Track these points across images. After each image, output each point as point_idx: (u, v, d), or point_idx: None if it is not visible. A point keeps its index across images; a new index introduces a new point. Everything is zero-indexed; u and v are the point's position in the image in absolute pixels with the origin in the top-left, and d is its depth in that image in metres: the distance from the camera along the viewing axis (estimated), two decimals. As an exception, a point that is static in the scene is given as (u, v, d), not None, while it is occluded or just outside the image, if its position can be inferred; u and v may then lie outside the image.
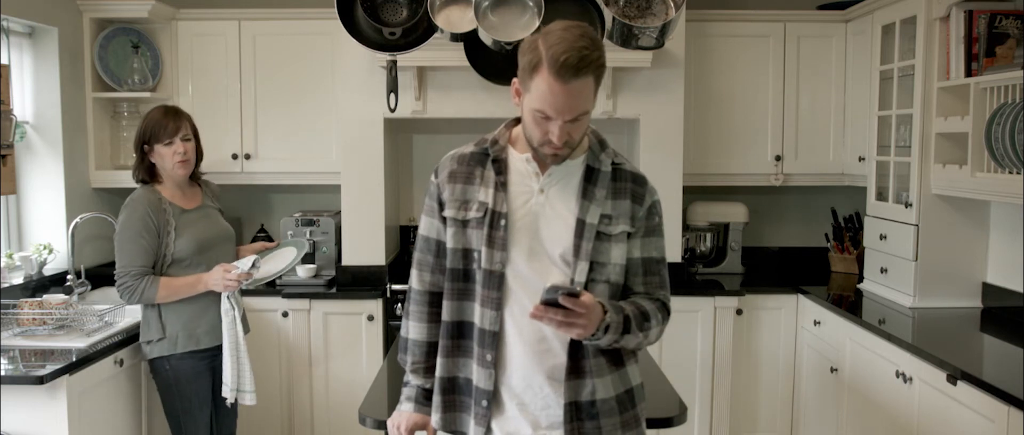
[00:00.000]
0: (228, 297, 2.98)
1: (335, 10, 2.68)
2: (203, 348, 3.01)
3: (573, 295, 1.65)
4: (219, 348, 3.02)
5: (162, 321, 2.97)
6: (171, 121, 3.00)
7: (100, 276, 4.02)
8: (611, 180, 1.88)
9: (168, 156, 2.98)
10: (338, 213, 4.23)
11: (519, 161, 1.89)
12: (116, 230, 2.99)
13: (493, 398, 1.86)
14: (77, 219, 3.74)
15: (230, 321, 2.98)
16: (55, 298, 3.22)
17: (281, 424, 4.05)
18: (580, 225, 1.83)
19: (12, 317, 3.14)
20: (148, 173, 3.02)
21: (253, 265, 2.96)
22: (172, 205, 3.00)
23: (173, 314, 2.97)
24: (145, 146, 3.00)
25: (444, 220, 1.92)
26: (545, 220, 1.85)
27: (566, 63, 1.68)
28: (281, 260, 3.21)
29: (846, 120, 4.23)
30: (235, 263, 2.99)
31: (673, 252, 3.98)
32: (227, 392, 3.01)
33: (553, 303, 1.65)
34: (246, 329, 3.10)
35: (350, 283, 4.07)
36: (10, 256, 3.61)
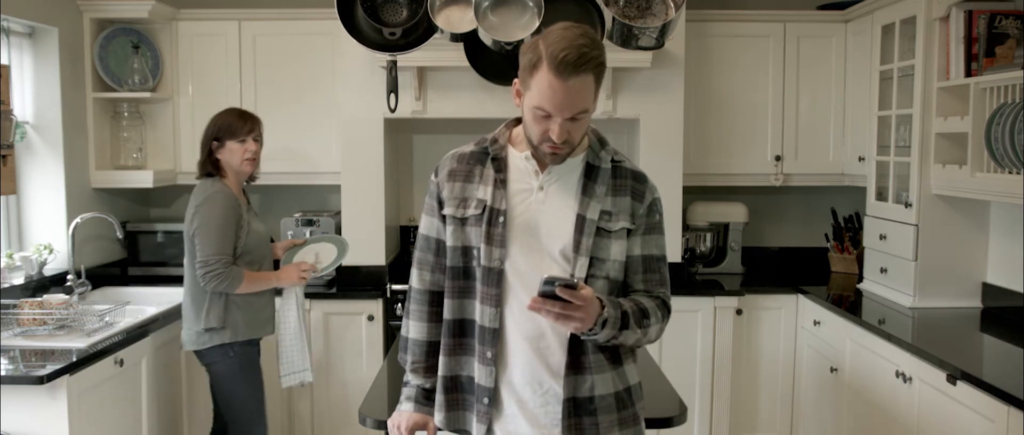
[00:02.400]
0: (283, 293, 3.26)
1: (335, 10, 2.68)
2: (259, 338, 3.19)
3: (570, 287, 1.65)
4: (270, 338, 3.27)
5: (226, 311, 3.08)
6: (247, 120, 3.17)
7: (100, 276, 4.02)
8: (611, 177, 1.89)
9: (238, 153, 3.13)
10: (338, 213, 4.23)
11: (519, 159, 1.90)
12: (198, 219, 3.05)
13: (494, 396, 1.87)
14: (77, 219, 3.74)
15: (290, 306, 3.25)
16: (55, 298, 3.22)
17: (281, 424, 4.05)
18: (580, 220, 1.84)
19: (12, 317, 3.14)
20: (214, 167, 3.16)
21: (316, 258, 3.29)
22: (240, 201, 3.15)
23: (238, 305, 3.11)
24: (215, 142, 3.13)
25: (444, 218, 1.92)
26: (544, 217, 1.85)
27: (565, 60, 1.69)
28: (326, 255, 3.41)
29: (846, 120, 4.23)
30: (305, 262, 3.29)
31: (673, 252, 3.98)
32: (290, 380, 3.26)
33: (550, 295, 1.65)
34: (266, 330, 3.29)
35: (350, 283, 4.07)
36: (10, 256, 3.61)
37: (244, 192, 3.28)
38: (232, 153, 3.13)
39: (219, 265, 3.00)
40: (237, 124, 3.14)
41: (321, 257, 3.40)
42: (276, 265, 3.37)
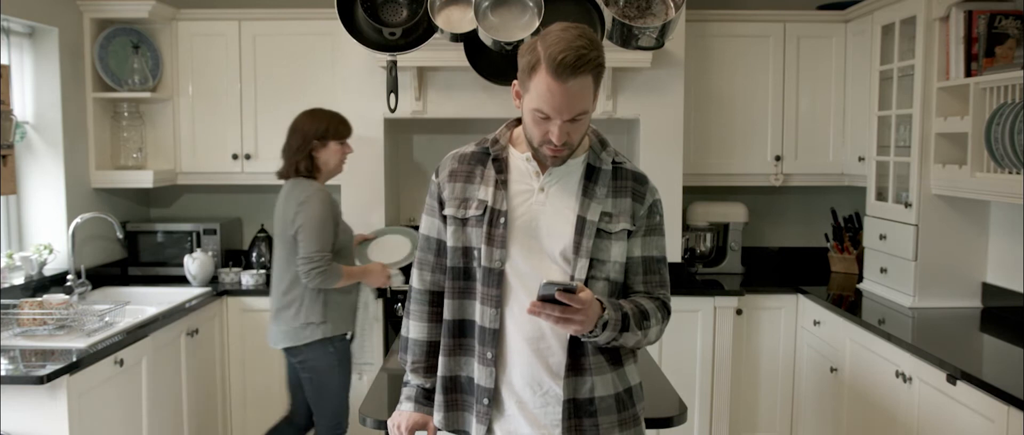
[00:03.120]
0: (372, 290, 3.42)
1: (335, 10, 2.68)
2: (346, 333, 3.31)
3: (569, 291, 1.65)
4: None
5: (325, 306, 3.20)
6: (346, 123, 3.31)
7: (100, 276, 4.02)
8: (612, 178, 1.89)
9: (338, 154, 3.27)
10: (338, 213, 4.22)
11: (519, 160, 1.89)
12: (302, 217, 3.14)
13: (494, 396, 1.87)
14: (77, 219, 3.74)
15: (372, 311, 3.44)
16: (55, 298, 3.21)
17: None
18: (581, 222, 1.84)
19: (12, 317, 3.14)
20: (310, 165, 3.25)
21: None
22: (336, 201, 3.30)
23: (334, 299, 3.23)
24: (317, 141, 3.22)
25: (444, 219, 1.92)
26: (545, 218, 1.85)
27: (564, 62, 1.69)
28: (395, 247, 3.57)
29: (846, 120, 4.23)
30: (389, 266, 3.42)
31: (673, 252, 3.98)
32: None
33: (550, 299, 1.65)
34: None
35: (350, 283, 4.07)
36: (10, 256, 3.61)
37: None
38: (333, 154, 3.26)
39: (322, 262, 3.11)
40: (342, 127, 3.28)
41: (390, 249, 3.54)
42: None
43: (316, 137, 3.23)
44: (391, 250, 3.56)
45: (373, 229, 3.81)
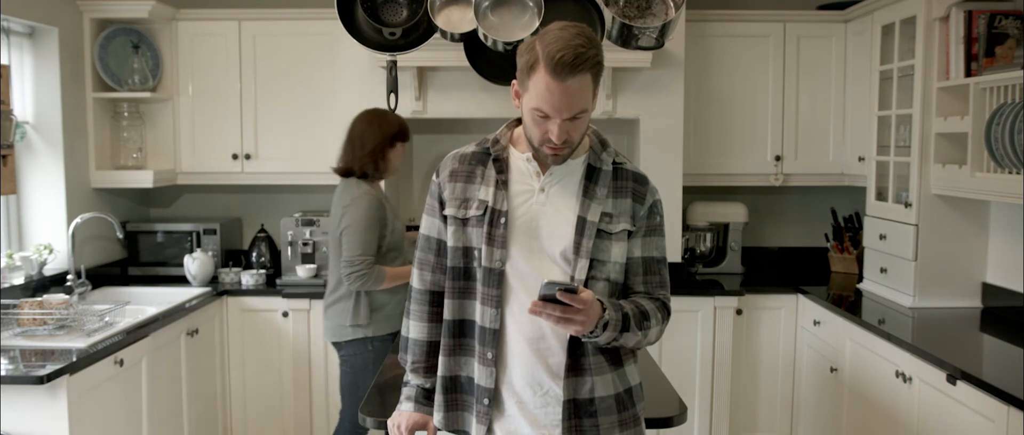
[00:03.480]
0: None
1: (335, 10, 2.68)
2: (392, 332, 3.27)
3: (570, 291, 1.65)
4: (397, 333, 3.23)
5: (371, 307, 3.22)
6: (406, 125, 3.30)
7: (100, 276, 4.02)
8: (612, 179, 1.89)
9: (400, 155, 3.30)
10: (338, 213, 4.22)
11: (520, 160, 1.89)
12: (347, 219, 3.16)
13: (494, 396, 1.87)
14: (77, 219, 3.74)
15: None
16: (55, 298, 3.22)
17: (281, 424, 4.06)
18: (581, 222, 1.84)
19: (12, 317, 3.14)
20: (375, 167, 3.24)
21: None
22: (387, 200, 3.29)
23: (380, 300, 3.24)
24: (390, 143, 3.23)
25: (445, 219, 1.92)
26: (545, 218, 1.85)
27: (562, 61, 1.69)
28: None
29: (846, 120, 4.23)
30: None
31: (673, 252, 3.98)
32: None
33: (551, 299, 1.65)
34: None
35: (350, 283, 4.07)
36: (10, 256, 3.61)
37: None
38: (398, 155, 3.28)
39: (363, 265, 3.12)
40: (406, 128, 3.28)
41: None
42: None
43: (391, 139, 3.24)
44: None
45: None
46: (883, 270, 3.75)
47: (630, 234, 1.89)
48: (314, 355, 4.01)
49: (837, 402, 3.56)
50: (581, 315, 1.68)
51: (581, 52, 1.70)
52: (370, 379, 3.23)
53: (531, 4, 2.58)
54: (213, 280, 4.19)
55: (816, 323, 3.81)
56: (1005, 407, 2.39)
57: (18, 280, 3.57)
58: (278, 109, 4.19)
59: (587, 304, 1.68)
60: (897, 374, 2.99)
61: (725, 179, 4.31)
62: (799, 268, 4.58)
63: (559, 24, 1.76)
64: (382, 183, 3.41)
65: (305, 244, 4.21)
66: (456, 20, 2.67)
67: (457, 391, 1.93)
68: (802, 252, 4.66)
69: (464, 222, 1.88)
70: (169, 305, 3.60)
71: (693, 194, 4.40)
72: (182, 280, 4.16)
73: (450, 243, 1.90)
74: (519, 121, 1.94)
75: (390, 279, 3.22)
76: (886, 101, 3.72)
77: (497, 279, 1.83)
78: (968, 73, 3.23)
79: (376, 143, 3.23)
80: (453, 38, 2.68)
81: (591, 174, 1.88)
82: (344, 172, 3.29)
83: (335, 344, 3.34)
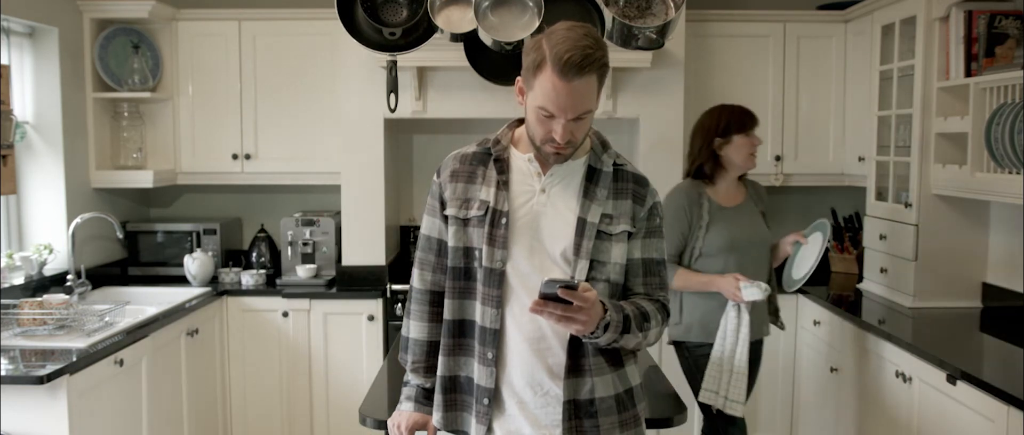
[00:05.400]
0: (735, 305, 2.96)
1: (335, 10, 2.68)
2: (701, 342, 3.06)
3: (571, 287, 1.65)
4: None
5: (682, 307, 3.09)
6: (749, 113, 3.09)
7: (100, 276, 4.02)
8: (612, 180, 1.89)
9: (744, 147, 3.05)
10: (338, 213, 4.23)
11: (521, 161, 1.90)
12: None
13: (494, 396, 1.87)
14: (77, 219, 3.74)
15: (732, 328, 2.95)
16: (55, 298, 3.22)
17: (281, 424, 4.06)
18: (581, 223, 1.84)
19: (12, 317, 3.14)
20: (714, 164, 3.08)
21: (763, 291, 2.91)
22: (711, 201, 3.07)
23: (692, 303, 3.07)
24: (720, 137, 3.05)
25: (446, 219, 1.92)
26: (546, 219, 1.86)
27: (570, 61, 1.69)
28: (808, 255, 3.21)
29: (846, 120, 4.23)
30: (747, 284, 2.90)
31: (673, 252, 3.98)
32: (707, 396, 3.01)
33: (552, 297, 1.65)
34: (767, 331, 3.18)
35: (350, 283, 4.07)
36: (10, 256, 3.61)
37: (751, 191, 3.19)
38: (738, 148, 3.05)
39: None
40: (746, 118, 3.08)
41: (803, 263, 3.22)
42: (778, 272, 3.33)
43: (717, 133, 3.05)
44: (807, 259, 3.21)
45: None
46: (883, 270, 3.75)
47: (630, 235, 1.89)
48: (314, 355, 4.01)
49: (837, 402, 3.56)
50: (583, 314, 1.68)
51: (589, 53, 1.70)
52: (697, 386, 3.08)
53: (531, 4, 2.58)
54: (213, 280, 4.19)
55: (816, 323, 3.81)
56: (1005, 407, 2.39)
57: (18, 280, 3.57)
58: (278, 109, 4.19)
59: (589, 302, 1.68)
60: (897, 374, 2.99)
61: (725, 179, 4.30)
62: (799, 268, 4.57)
63: (565, 24, 1.77)
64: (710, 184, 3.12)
65: (305, 244, 4.21)
66: (456, 20, 2.67)
67: (457, 391, 1.93)
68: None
69: (465, 222, 1.88)
70: (169, 305, 3.60)
71: (693, 194, 4.40)
72: (182, 280, 4.16)
73: (451, 243, 1.90)
74: (520, 121, 1.94)
75: (684, 282, 3.02)
76: (886, 101, 3.72)
77: (498, 279, 1.84)
78: (968, 73, 3.23)
79: (702, 142, 3.08)
80: (453, 38, 2.68)
81: (592, 175, 1.88)
82: (686, 176, 3.18)
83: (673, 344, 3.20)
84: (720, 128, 3.05)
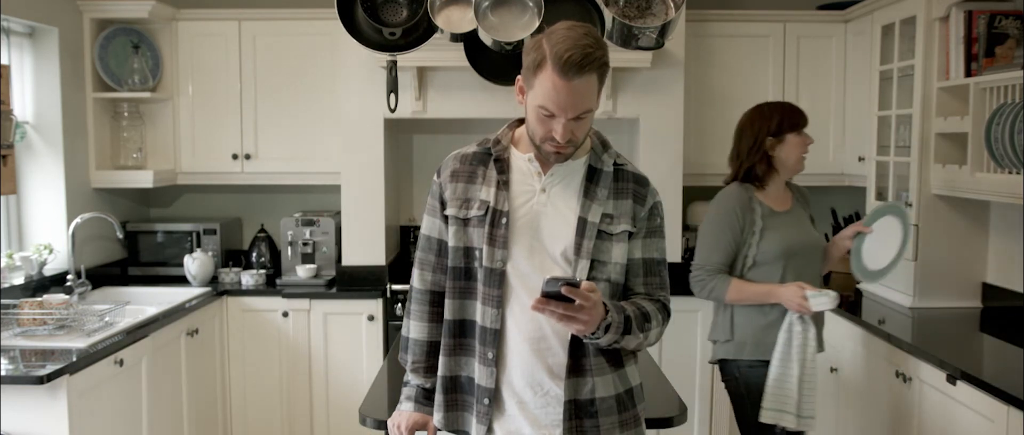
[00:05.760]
0: (800, 316, 2.71)
1: (335, 10, 2.68)
2: (768, 361, 2.76)
3: (573, 285, 1.65)
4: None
5: (733, 323, 2.82)
6: (800, 110, 2.85)
7: (100, 276, 4.02)
8: (613, 180, 1.89)
9: (798, 146, 2.83)
10: (338, 213, 4.23)
11: (521, 161, 1.90)
12: (702, 223, 2.89)
13: (494, 396, 1.87)
14: (77, 219, 3.74)
15: (799, 343, 2.70)
16: (55, 298, 3.22)
17: (281, 424, 4.06)
18: (581, 223, 1.84)
19: (12, 317, 3.14)
20: (767, 166, 2.83)
21: (833, 299, 2.67)
22: (762, 205, 2.82)
23: (745, 318, 2.80)
24: (772, 136, 2.81)
25: (446, 219, 1.92)
26: (546, 219, 1.85)
27: (570, 60, 1.69)
28: (886, 250, 2.96)
29: (846, 120, 4.23)
30: (815, 293, 2.67)
31: (673, 252, 3.98)
32: (770, 415, 2.73)
33: (554, 295, 1.65)
34: (820, 347, 2.86)
35: (350, 283, 4.07)
36: (10, 256, 3.61)
37: (797, 195, 2.96)
38: (792, 148, 2.82)
39: (703, 272, 2.80)
40: (797, 116, 2.83)
41: (878, 255, 2.96)
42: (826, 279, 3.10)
43: (770, 133, 2.80)
44: (885, 245, 2.95)
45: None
46: (883, 270, 3.74)
47: (630, 235, 1.89)
48: (314, 355, 4.01)
49: (837, 402, 3.56)
50: (584, 313, 1.67)
51: (589, 52, 1.70)
52: (746, 414, 2.83)
53: (531, 4, 2.58)
54: (213, 280, 4.19)
55: (816, 323, 3.80)
56: (1005, 407, 2.39)
57: (18, 280, 3.57)
58: (278, 109, 4.19)
59: (592, 301, 1.68)
60: (897, 374, 2.99)
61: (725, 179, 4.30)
62: (799, 268, 4.57)
63: (566, 24, 1.77)
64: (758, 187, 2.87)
65: (305, 244, 4.21)
66: (456, 20, 2.67)
67: (457, 391, 1.93)
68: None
69: (465, 222, 1.88)
70: (169, 305, 3.60)
71: (693, 194, 4.40)
72: (182, 280, 4.16)
73: (451, 243, 1.90)
74: (520, 121, 1.94)
75: (741, 295, 2.76)
76: (886, 101, 3.72)
77: (498, 279, 1.83)
78: (968, 73, 3.23)
79: (752, 142, 2.83)
80: (453, 38, 2.68)
81: (592, 175, 1.88)
82: (729, 180, 2.91)
83: (717, 364, 2.93)
84: (772, 127, 2.81)
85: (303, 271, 4.12)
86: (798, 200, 2.96)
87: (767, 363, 2.74)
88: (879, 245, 2.99)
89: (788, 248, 2.80)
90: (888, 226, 2.99)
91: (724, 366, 2.88)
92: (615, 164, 1.91)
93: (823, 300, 2.66)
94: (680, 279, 4.02)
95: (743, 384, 2.82)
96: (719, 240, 2.80)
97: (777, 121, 2.81)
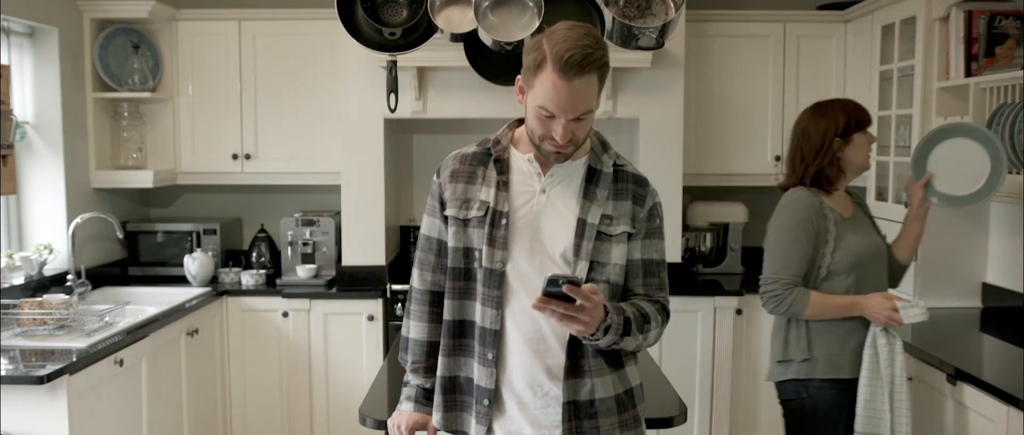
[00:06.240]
0: (883, 329, 2.52)
1: (335, 10, 2.68)
2: (843, 378, 2.55)
3: (574, 283, 1.65)
4: (856, 381, 2.54)
5: (809, 340, 2.56)
6: (864, 109, 2.65)
7: (100, 276, 4.02)
8: (612, 181, 1.89)
9: (865, 146, 2.62)
10: (338, 213, 4.23)
11: (521, 161, 1.90)
12: (770, 232, 2.64)
13: (494, 397, 1.87)
14: (77, 219, 3.74)
15: (886, 358, 2.50)
16: (55, 298, 3.22)
17: (281, 424, 4.06)
18: (581, 225, 1.84)
19: (12, 317, 3.14)
20: (837, 169, 2.62)
21: (924, 310, 2.46)
22: (833, 211, 2.61)
23: (822, 334, 2.56)
24: (840, 138, 2.60)
25: (445, 219, 1.92)
26: (546, 219, 1.85)
27: (570, 61, 1.69)
28: (963, 169, 2.73)
29: (846, 120, 4.22)
30: (906, 305, 2.46)
31: (673, 252, 3.98)
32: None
33: (556, 294, 1.65)
34: None
35: (350, 283, 4.07)
36: (10, 256, 3.61)
37: (853, 197, 2.75)
38: (859, 148, 2.61)
39: (779, 286, 2.54)
40: (863, 113, 2.63)
41: (957, 169, 2.70)
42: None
43: (838, 133, 2.59)
44: (960, 167, 2.69)
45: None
46: (883, 270, 3.74)
47: (630, 236, 1.89)
48: (314, 355, 4.01)
49: (837, 402, 3.55)
50: (585, 314, 1.67)
51: (589, 52, 1.70)
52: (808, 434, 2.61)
53: (531, 4, 2.58)
54: (213, 280, 4.19)
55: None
56: (1005, 407, 2.39)
57: (18, 280, 3.57)
58: (278, 109, 4.19)
59: (593, 301, 1.68)
60: (897, 374, 2.98)
61: (725, 179, 4.31)
62: (799, 268, 4.57)
63: (566, 24, 1.76)
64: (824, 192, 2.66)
65: (305, 244, 4.21)
66: (456, 20, 2.67)
67: (456, 391, 1.93)
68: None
69: (465, 223, 1.88)
70: (169, 305, 3.60)
71: (693, 194, 4.40)
72: (182, 280, 4.16)
73: (451, 244, 1.90)
74: (520, 121, 1.94)
75: (821, 309, 2.53)
76: (886, 101, 3.72)
77: (498, 280, 1.83)
78: (968, 73, 3.23)
79: (820, 144, 2.62)
80: (453, 38, 2.68)
81: (592, 176, 1.88)
82: (788, 184, 2.71)
83: (776, 387, 2.69)
84: (840, 127, 2.60)
85: (303, 271, 4.12)
86: (859, 204, 2.77)
87: (838, 383, 2.54)
88: (952, 174, 2.74)
89: (860, 256, 2.59)
90: (947, 154, 2.74)
91: (787, 386, 2.63)
92: (615, 165, 1.91)
93: (916, 311, 2.45)
94: (680, 280, 4.05)
95: (810, 406, 2.58)
96: (795, 250, 2.55)
97: (844, 121, 2.60)
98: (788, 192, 2.67)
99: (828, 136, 2.60)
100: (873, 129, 2.69)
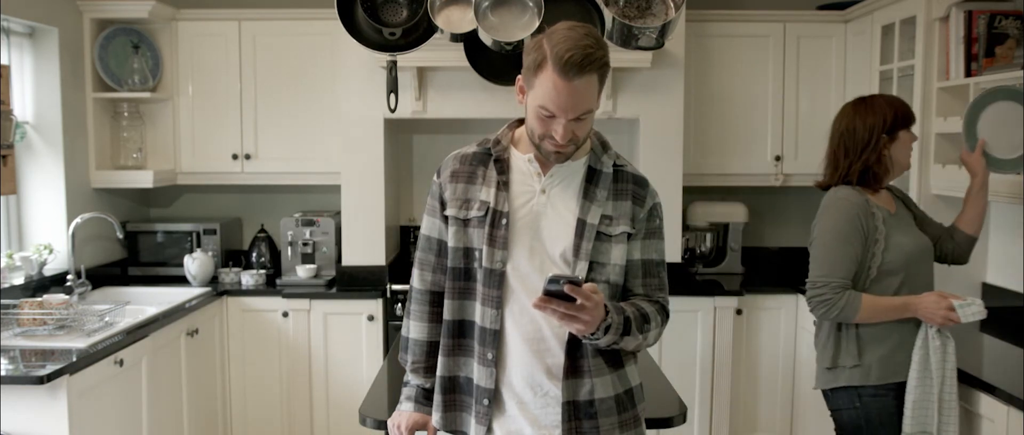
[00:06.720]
0: (938, 329, 2.45)
1: (335, 10, 2.68)
2: (895, 383, 2.46)
3: (575, 283, 1.65)
4: (904, 384, 2.46)
5: (860, 344, 2.48)
6: (907, 105, 2.59)
7: (100, 276, 4.02)
8: (612, 182, 1.89)
9: (909, 143, 2.56)
10: (338, 213, 4.23)
11: (521, 161, 1.90)
12: (815, 231, 2.56)
13: (494, 397, 1.87)
14: (77, 219, 3.74)
15: (938, 359, 2.42)
16: (55, 298, 3.22)
17: (281, 424, 4.06)
18: (581, 225, 1.84)
19: (12, 317, 3.14)
20: (884, 167, 2.54)
21: (982, 307, 2.40)
22: (880, 209, 2.52)
23: (874, 338, 2.47)
24: (887, 134, 2.52)
25: (446, 219, 1.92)
26: (546, 220, 1.86)
27: (570, 61, 1.69)
28: (1013, 130, 2.67)
29: (846, 120, 4.22)
30: (963, 302, 2.40)
31: (673, 252, 3.98)
32: None
33: (556, 294, 1.65)
34: None
35: (350, 283, 4.07)
36: (10, 256, 3.61)
37: (893, 194, 2.67)
38: (904, 146, 2.55)
39: (828, 289, 2.45)
40: (908, 110, 2.56)
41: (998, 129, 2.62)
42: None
43: (885, 129, 2.51)
44: (1005, 129, 2.61)
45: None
46: (883, 270, 3.74)
47: (629, 237, 1.89)
48: (314, 355, 4.01)
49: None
50: (586, 313, 1.67)
51: (589, 53, 1.70)
52: None
53: (531, 4, 2.58)
54: (213, 280, 4.19)
55: (816, 323, 3.79)
56: (1005, 407, 2.39)
57: (18, 280, 3.57)
58: (278, 109, 4.19)
59: (593, 301, 1.68)
60: (897, 374, 2.98)
61: (725, 179, 4.31)
62: (799, 268, 4.55)
63: (566, 24, 1.77)
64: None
65: (305, 244, 4.21)
66: (456, 20, 2.67)
67: (456, 391, 1.93)
68: (802, 252, 4.57)
69: (465, 223, 1.88)
70: (169, 305, 3.60)
71: (693, 194, 4.40)
72: (182, 280, 4.16)
73: (451, 244, 1.90)
74: (520, 121, 1.94)
75: (873, 311, 2.44)
76: (886, 101, 3.72)
77: (498, 280, 1.84)
78: (968, 73, 3.23)
79: (867, 139, 2.53)
80: (453, 38, 2.68)
81: (592, 176, 1.88)
82: (828, 184, 2.64)
83: (824, 395, 2.62)
84: (887, 124, 2.51)
85: (303, 271, 4.12)
86: (900, 200, 2.69)
87: (892, 388, 2.46)
88: (998, 138, 2.70)
89: (910, 255, 2.50)
90: (993, 117, 2.71)
91: (837, 394, 2.53)
92: (615, 165, 1.91)
93: (974, 309, 2.38)
94: (680, 280, 4.05)
95: (864, 414, 2.49)
96: (845, 252, 2.46)
97: (892, 117, 2.52)
98: (831, 191, 2.59)
99: (875, 132, 2.52)
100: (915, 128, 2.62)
